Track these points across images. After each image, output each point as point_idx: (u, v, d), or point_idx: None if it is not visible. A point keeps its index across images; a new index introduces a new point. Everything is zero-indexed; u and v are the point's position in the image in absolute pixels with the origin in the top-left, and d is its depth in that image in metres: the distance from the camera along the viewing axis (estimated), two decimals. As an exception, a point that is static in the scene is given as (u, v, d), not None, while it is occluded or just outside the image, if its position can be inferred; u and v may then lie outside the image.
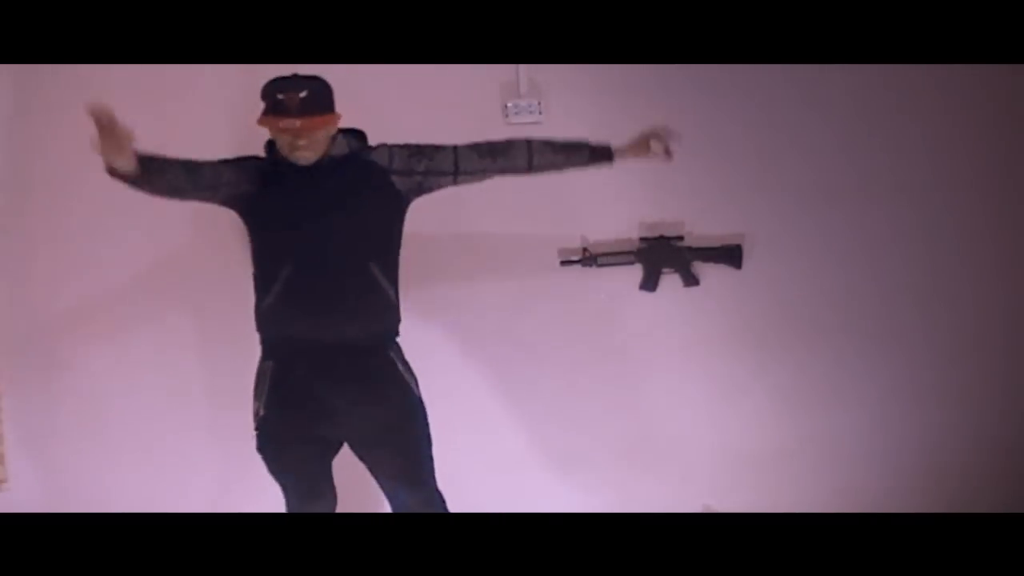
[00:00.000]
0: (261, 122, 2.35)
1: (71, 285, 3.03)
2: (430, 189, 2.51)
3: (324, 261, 2.35)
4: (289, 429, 2.40)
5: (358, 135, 2.48)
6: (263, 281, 2.41)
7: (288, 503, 2.51)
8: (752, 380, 3.08)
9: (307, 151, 2.35)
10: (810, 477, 3.07)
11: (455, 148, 2.50)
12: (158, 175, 2.30)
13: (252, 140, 3.04)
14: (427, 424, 2.49)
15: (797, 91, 3.05)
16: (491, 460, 3.06)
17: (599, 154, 2.55)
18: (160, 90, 2.99)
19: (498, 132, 3.02)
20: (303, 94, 2.31)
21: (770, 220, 3.07)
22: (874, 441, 3.09)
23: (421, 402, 2.49)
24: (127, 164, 2.20)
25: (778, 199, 3.07)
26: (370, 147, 2.49)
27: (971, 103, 3.05)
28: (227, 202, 2.44)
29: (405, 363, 2.49)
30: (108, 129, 2.14)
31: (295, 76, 2.36)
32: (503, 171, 2.53)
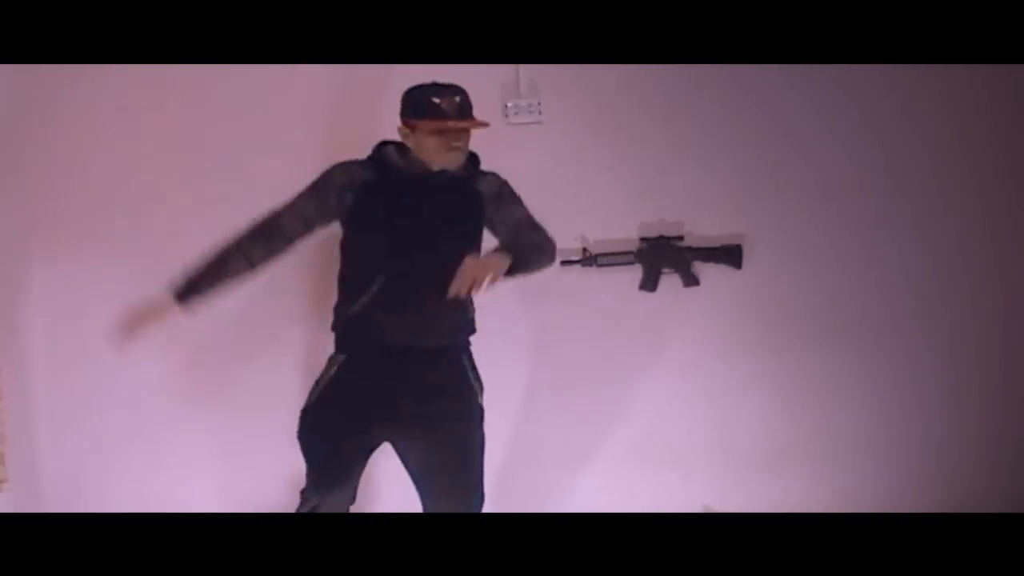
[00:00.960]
0: (423, 126, 2.41)
1: (71, 285, 3.03)
2: (490, 225, 2.57)
3: (417, 279, 2.37)
4: (337, 421, 2.41)
5: (471, 156, 2.54)
6: (352, 289, 2.44)
7: (308, 485, 2.49)
8: (752, 380, 3.08)
9: (460, 153, 2.44)
10: (810, 477, 3.07)
11: (525, 213, 2.58)
12: (222, 274, 2.42)
13: (253, 140, 3.05)
14: (483, 433, 2.52)
15: (797, 91, 3.05)
16: (490, 460, 3.05)
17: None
18: (160, 90, 3.00)
19: (498, 132, 3.03)
20: (458, 99, 2.43)
21: (770, 220, 3.07)
22: (874, 441, 3.08)
23: (482, 409, 2.52)
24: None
25: (778, 199, 3.07)
26: (482, 172, 2.56)
27: (971, 103, 3.05)
28: (330, 223, 2.49)
29: (475, 370, 2.53)
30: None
31: (440, 84, 2.45)
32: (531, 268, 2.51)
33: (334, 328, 2.49)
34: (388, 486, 2.90)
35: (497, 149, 3.02)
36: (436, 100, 2.41)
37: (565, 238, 3.06)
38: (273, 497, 2.92)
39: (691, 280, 3.05)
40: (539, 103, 3.03)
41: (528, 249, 2.47)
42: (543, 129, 3.05)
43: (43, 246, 3.03)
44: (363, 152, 2.54)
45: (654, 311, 3.07)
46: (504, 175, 3.02)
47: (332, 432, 2.43)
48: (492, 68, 2.97)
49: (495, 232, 2.58)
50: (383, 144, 2.52)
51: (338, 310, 2.47)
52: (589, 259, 3.03)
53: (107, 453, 3.03)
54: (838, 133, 3.06)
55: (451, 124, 2.40)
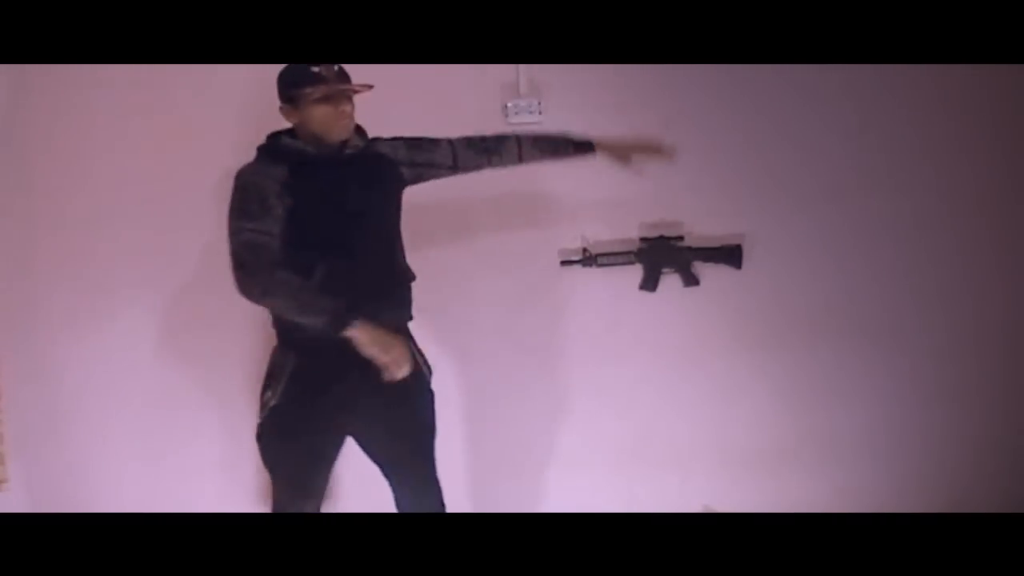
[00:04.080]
0: (308, 95, 2.34)
1: (72, 284, 3.02)
2: (427, 179, 2.57)
3: (356, 253, 2.36)
4: (299, 421, 2.38)
5: (358, 129, 2.50)
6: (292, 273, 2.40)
7: (277, 498, 2.47)
8: (752, 380, 3.08)
9: (349, 120, 2.38)
10: (810, 477, 3.07)
11: (452, 143, 2.57)
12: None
13: (252, 141, 3.04)
14: (434, 416, 2.51)
15: (797, 91, 3.05)
16: (490, 460, 3.06)
17: (582, 147, 2.67)
18: (160, 90, 3.00)
19: (498, 132, 3.03)
20: (336, 67, 2.38)
21: (770, 220, 3.07)
22: (874, 440, 3.09)
23: (432, 393, 2.51)
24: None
25: (778, 199, 3.07)
26: (375, 139, 2.52)
27: (971, 103, 3.05)
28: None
29: (420, 353, 2.50)
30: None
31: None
32: (495, 166, 2.62)
33: (275, 325, 2.44)
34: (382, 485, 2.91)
35: (497, 149, 3.03)
36: (315, 69, 2.36)
37: (565, 238, 3.07)
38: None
39: (691, 280, 3.05)
40: (539, 103, 3.03)
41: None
42: (543, 129, 3.05)
43: (44, 246, 3.03)
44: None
45: (654, 311, 3.07)
46: (504, 175, 3.01)
47: (300, 436, 2.39)
48: (492, 68, 2.97)
49: (442, 169, 2.56)
50: (274, 135, 2.44)
51: None
52: (589, 259, 3.03)
53: (107, 453, 3.03)
54: (838, 133, 3.06)
55: (336, 87, 2.34)
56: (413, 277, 2.50)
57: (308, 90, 2.35)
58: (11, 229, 3.00)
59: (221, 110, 3.01)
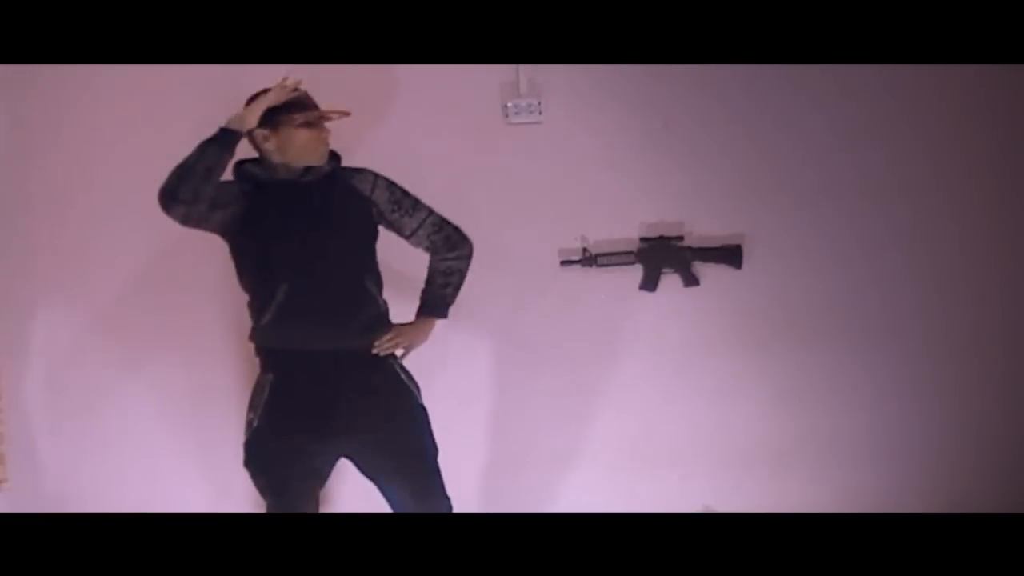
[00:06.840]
0: (291, 120, 2.35)
1: (72, 285, 3.03)
2: (393, 230, 2.54)
3: (318, 278, 2.36)
4: (281, 443, 2.37)
5: (332, 154, 2.49)
6: (258, 302, 2.41)
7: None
8: (752, 380, 3.08)
9: (326, 147, 2.39)
10: (810, 477, 3.07)
11: (429, 215, 2.53)
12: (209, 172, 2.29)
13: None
14: (431, 433, 2.48)
15: (797, 91, 3.05)
16: (491, 460, 3.06)
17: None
18: (160, 91, 3.00)
19: (498, 132, 3.04)
20: (305, 91, 2.38)
21: (770, 220, 3.07)
22: (874, 441, 3.09)
23: (424, 410, 2.49)
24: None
25: (778, 199, 3.07)
26: (354, 169, 2.50)
27: (971, 103, 3.05)
28: (217, 228, 2.41)
29: (406, 371, 2.50)
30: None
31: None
32: (447, 261, 2.57)
33: (251, 338, 2.46)
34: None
35: (497, 149, 3.04)
36: (297, 92, 2.37)
37: (565, 238, 3.07)
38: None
39: (691, 280, 3.05)
40: (539, 103, 3.03)
41: (447, 276, 2.52)
42: (543, 129, 3.05)
43: (44, 247, 3.03)
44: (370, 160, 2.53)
45: (654, 311, 3.07)
46: (504, 175, 3.02)
47: (281, 458, 2.38)
48: (492, 68, 2.96)
49: (401, 235, 2.53)
50: (239, 164, 2.44)
51: (253, 326, 2.44)
52: (589, 259, 3.03)
53: (107, 453, 3.03)
54: (838, 133, 3.06)
55: (325, 111, 2.37)
56: (379, 306, 2.46)
57: (293, 115, 2.35)
58: (12, 230, 3.00)
59: (222, 111, 3.00)
